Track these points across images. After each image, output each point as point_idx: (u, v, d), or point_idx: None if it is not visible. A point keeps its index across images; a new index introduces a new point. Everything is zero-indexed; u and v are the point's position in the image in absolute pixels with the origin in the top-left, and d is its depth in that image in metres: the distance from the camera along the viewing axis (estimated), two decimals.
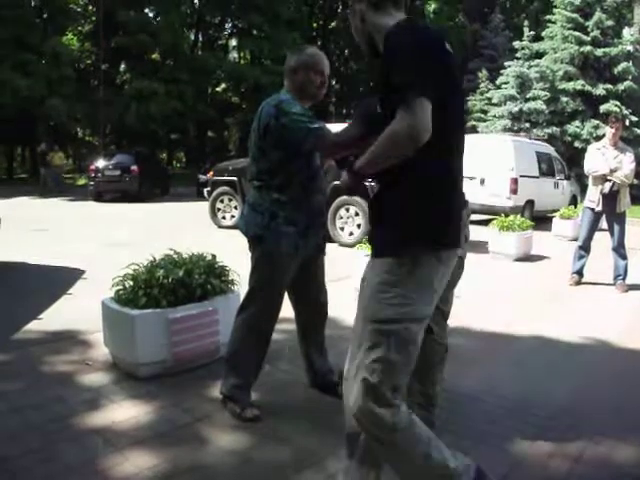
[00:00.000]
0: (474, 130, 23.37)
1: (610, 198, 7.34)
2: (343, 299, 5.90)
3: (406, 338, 2.17)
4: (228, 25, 40.26)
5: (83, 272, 7.37)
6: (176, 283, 4.01)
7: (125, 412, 3.46)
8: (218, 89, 40.00)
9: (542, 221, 14.00)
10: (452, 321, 5.23)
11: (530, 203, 14.75)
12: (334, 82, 39.47)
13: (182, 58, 33.96)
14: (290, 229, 3.36)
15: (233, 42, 41.63)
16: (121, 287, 4.13)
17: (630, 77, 23.49)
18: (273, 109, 3.30)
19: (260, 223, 3.38)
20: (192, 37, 39.91)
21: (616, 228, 7.51)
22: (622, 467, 3.10)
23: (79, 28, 36.27)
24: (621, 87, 23.26)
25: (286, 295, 3.63)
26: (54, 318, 5.30)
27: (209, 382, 3.89)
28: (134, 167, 19.98)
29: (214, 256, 4.47)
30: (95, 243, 9.88)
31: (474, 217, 15.22)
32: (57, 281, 6.89)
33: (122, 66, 36.18)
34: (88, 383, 3.89)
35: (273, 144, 3.31)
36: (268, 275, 3.42)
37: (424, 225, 2.15)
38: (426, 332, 3.29)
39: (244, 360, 3.50)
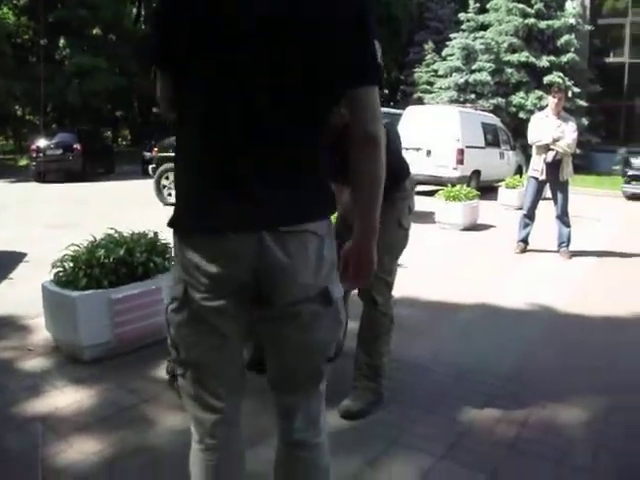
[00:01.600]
0: (420, 102, 23.45)
1: (553, 167, 7.46)
2: None
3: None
4: None
5: (25, 255, 7.15)
6: (117, 262, 3.91)
7: (68, 397, 3.37)
8: None
9: (488, 191, 14.18)
10: (398, 292, 5.25)
11: (476, 173, 14.93)
12: None
13: (124, 32, 33.10)
14: None
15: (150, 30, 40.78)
16: (61, 269, 4.00)
17: (573, 49, 23.82)
18: None
19: None
20: (134, 11, 38.96)
21: (559, 196, 7.64)
22: (565, 428, 3.17)
23: (14, 2, 34.99)
24: (564, 59, 23.58)
25: None
26: None
27: (155, 362, 3.82)
28: (77, 145, 19.43)
29: (156, 234, 4.38)
30: (38, 225, 9.60)
31: (421, 188, 15.36)
32: None
33: (61, 41, 35.10)
34: (29, 369, 3.77)
35: None
36: None
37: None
38: (371, 303, 3.31)
39: None
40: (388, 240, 3.24)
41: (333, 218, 1.81)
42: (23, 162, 25.81)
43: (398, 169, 3.37)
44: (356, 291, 3.33)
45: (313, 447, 1.82)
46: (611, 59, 26.44)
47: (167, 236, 4.44)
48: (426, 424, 3.14)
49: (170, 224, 1.69)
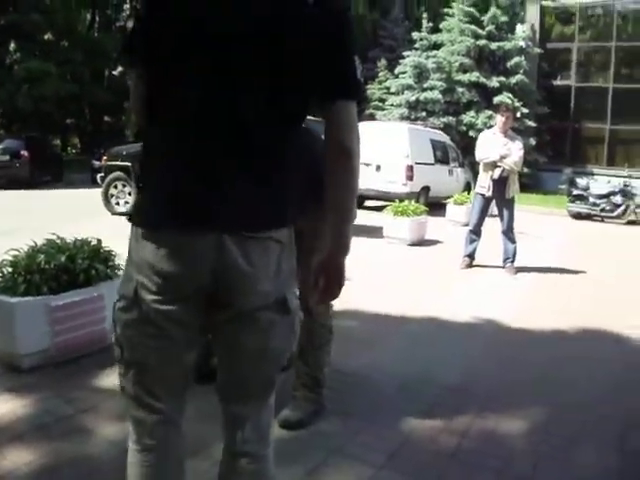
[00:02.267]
0: (372, 118, 23.65)
1: (500, 184, 7.60)
2: None
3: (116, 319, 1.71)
4: (126, 6, 39.00)
5: None
6: (58, 269, 3.83)
7: (2, 406, 3.25)
8: (115, 72, 38.73)
9: (437, 207, 14.34)
10: (343, 304, 5.28)
11: (425, 189, 15.11)
12: None
13: (77, 39, 32.61)
14: None
15: (130, 24, 40.46)
16: None
17: (522, 71, 24.38)
18: None
19: None
20: (88, 17, 38.46)
21: (505, 213, 7.78)
22: (506, 438, 3.22)
23: None
24: (513, 80, 24.12)
25: None
26: None
27: (95, 372, 3.74)
28: (24, 152, 18.97)
29: (99, 241, 4.30)
30: None
31: (370, 203, 15.48)
32: None
33: (12, 45, 34.37)
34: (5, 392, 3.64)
35: None
36: None
37: None
38: (308, 314, 3.31)
39: None
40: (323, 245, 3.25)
41: None
42: None
43: None
44: None
45: (260, 458, 1.79)
46: (558, 82, 27.16)
47: (111, 244, 4.42)
48: (367, 434, 3.15)
49: (131, 219, 1.66)
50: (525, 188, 20.51)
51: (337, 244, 1.77)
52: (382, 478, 2.74)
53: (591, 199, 16.40)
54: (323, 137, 1.68)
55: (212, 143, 1.57)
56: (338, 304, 3.46)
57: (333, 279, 1.80)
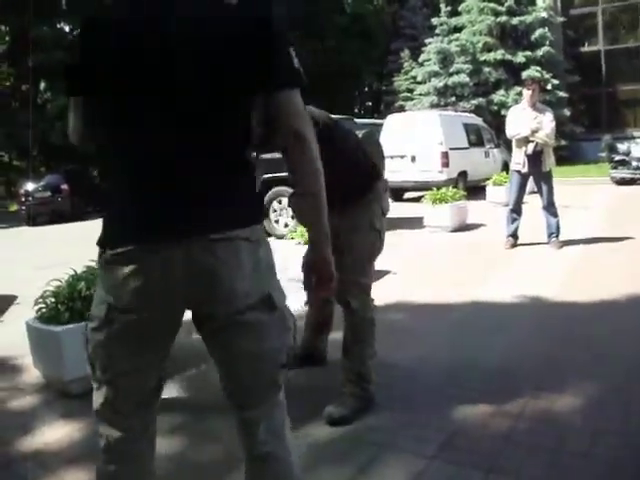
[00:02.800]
0: (402, 109, 23.54)
1: (535, 159, 7.47)
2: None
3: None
4: None
5: (16, 297, 7.10)
6: None
7: (57, 432, 3.33)
8: None
9: (477, 190, 14.19)
10: (388, 298, 5.29)
11: (463, 174, 14.95)
12: None
13: None
14: None
15: None
16: (43, 305, 3.98)
17: (547, 42, 23.98)
18: None
19: None
20: None
21: (544, 187, 7.63)
22: (559, 417, 3.14)
23: None
24: (539, 53, 23.74)
25: None
26: None
27: None
28: (64, 186, 19.46)
29: None
30: (29, 267, 9.54)
31: (409, 195, 15.39)
32: None
33: (42, 85, 35.20)
34: (18, 408, 3.73)
35: None
36: None
37: None
38: (347, 308, 3.30)
39: None
40: (360, 242, 3.25)
41: None
42: (13, 208, 25.77)
43: (367, 171, 3.39)
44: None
45: (280, 459, 1.78)
46: (586, 48, 26.67)
47: None
48: (417, 426, 3.10)
49: (99, 243, 1.68)
50: (565, 160, 20.20)
51: (317, 235, 1.80)
52: (434, 469, 2.69)
53: (634, 163, 16.02)
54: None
55: (167, 151, 1.59)
56: (383, 297, 3.45)
57: (323, 273, 1.83)
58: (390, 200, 6.11)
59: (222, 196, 1.62)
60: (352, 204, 3.31)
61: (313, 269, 1.84)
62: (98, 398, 1.75)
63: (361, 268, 3.26)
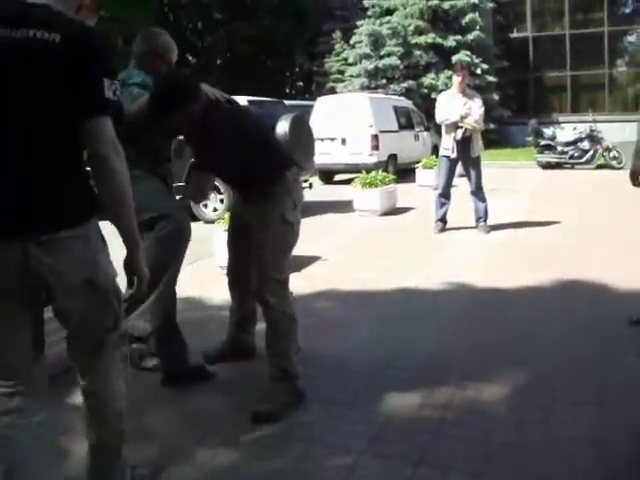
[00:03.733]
0: (333, 91, 23.46)
1: (463, 144, 7.53)
2: (205, 278, 5.75)
3: None
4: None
5: None
6: None
7: None
8: None
9: (407, 173, 14.29)
10: (317, 285, 5.23)
11: (393, 157, 15.02)
12: (190, 57, 38.49)
13: None
14: None
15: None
16: None
17: (478, 27, 24.21)
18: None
19: None
20: None
21: (472, 173, 7.71)
22: (487, 407, 3.16)
23: None
24: (470, 37, 23.98)
25: None
26: None
27: (66, 391, 3.59)
28: None
29: None
30: None
31: (339, 177, 15.39)
32: None
33: None
34: None
35: None
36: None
37: None
38: (265, 305, 3.23)
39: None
40: (272, 237, 3.18)
41: None
42: None
43: (273, 163, 3.31)
44: None
45: (99, 397, 2.24)
46: (515, 34, 27.08)
47: None
48: (347, 420, 3.06)
49: None
50: (493, 144, 20.56)
51: (126, 241, 2.10)
52: (365, 464, 2.66)
53: (559, 148, 16.46)
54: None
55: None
56: (312, 284, 3.38)
57: (136, 275, 2.17)
58: (320, 182, 5.93)
59: (55, 202, 1.97)
60: (257, 196, 3.25)
61: (127, 270, 2.17)
62: None
63: (276, 263, 3.20)
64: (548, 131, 17.43)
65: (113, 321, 2.16)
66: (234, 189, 3.44)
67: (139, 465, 2.56)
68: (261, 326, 3.71)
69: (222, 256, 5.74)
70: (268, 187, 3.25)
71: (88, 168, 2.25)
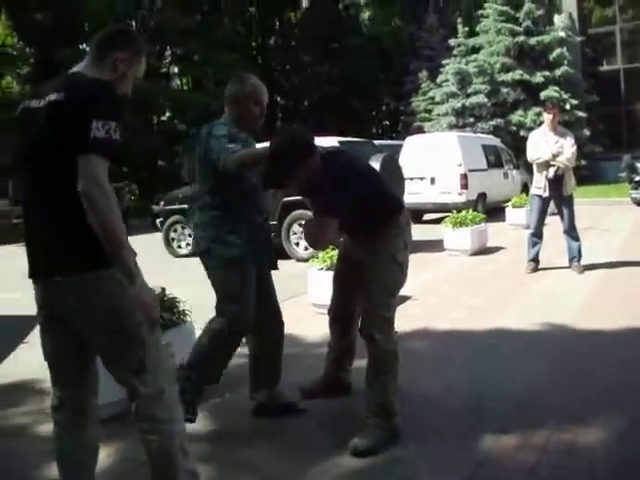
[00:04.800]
0: (420, 130, 23.60)
1: (556, 182, 7.46)
2: (300, 315, 5.90)
3: None
4: (167, 53, 40.02)
5: None
6: None
7: None
8: (164, 118, 39.65)
9: (496, 212, 14.18)
10: (410, 325, 5.29)
11: (482, 196, 14.94)
12: (278, 98, 39.52)
13: None
14: (234, 237, 3.42)
15: (175, 69, 41.37)
16: None
17: (565, 62, 24.00)
18: (204, 134, 3.44)
19: (207, 237, 3.47)
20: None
21: (565, 211, 7.62)
22: (584, 450, 3.12)
23: (17, 71, 35.59)
24: (558, 72, 23.75)
25: None
26: (10, 369, 5.14)
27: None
28: None
29: (163, 289, 4.38)
30: None
31: (428, 217, 15.38)
32: (11, 330, 6.69)
33: None
34: (46, 433, 3.75)
35: (209, 167, 3.39)
36: (226, 282, 3.44)
37: None
38: (370, 341, 3.32)
39: (205, 363, 3.51)
40: (383, 276, 3.28)
41: None
42: None
43: (387, 205, 3.43)
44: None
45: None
46: (605, 67, 26.61)
47: (175, 291, 4.52)
48: (442, 458, 3.10)
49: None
50: (584, 181, 20.12)
51: (124, 274, 2.22)
52: None
53: None
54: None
55: (33, 218, 2.35)
56: (404, 324, 3.46)
57: (141, 309, 2.27)
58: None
59: (60, 246, 2.25)
60: (372, 237, 3.36)
61: (135, 305, 2.28)
62: None
63: (384, 301, 3.29)
64: None
65: (138, 363, 2.34)
66: (347, 231, 3.53)
67: None
68: (358, 363, 3.83)
69: (315, 294, 5.93)
70: (382, 229, 3.37)
71: None
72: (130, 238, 2.29)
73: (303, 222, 9.88)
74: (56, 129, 2.18)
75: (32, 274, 2.39)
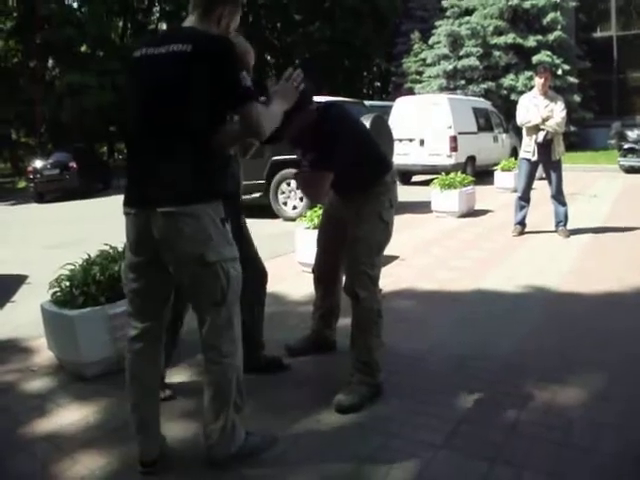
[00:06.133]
0: (411, 92, 23.46)
1: (545, 147, 7.47)
2: (287, 274, 5.93)
3: None
4: (156, 9, 39.35)
5: (26, 277, 7.17)
6: (113, 278, 3.94)
7: (73, 414, 3.39)
8: None
9: (485, 175, 14.21)
10: (397, 284, 5.35)
11: (471, 159, 14.95)
12: (269, 57, 39.12)
13: (112, 47, 32.98)
14: None
15: (163, 26, 40.78)
16: (58, 289, 4.04)
17: (559, 27, 23.78)
18: None
19: None
20: (120, 25, 38.90)
21: (553, 176, 7.64)
22: (565, 409, 3.19)
23: (1, 26, 34.94)
24: (551, 37, 23.57)
25: None
26: None
27: None
28: (72, 164, 19.46)
29: None
30: (38, 246, 9.62)
31: (417, 178, 15.40)
32: None
33: (50, 62, 35.04)
34: (33, 390, 3.80)
35: None
36: None
37: None
38: (354, 299, 3.34)
39: None
40: (367, 233, 3.29)
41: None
42: (22, 184, 25.81)
43: (377, 163, 3.43)
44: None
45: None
46: (598, 34, 26.41)
47: None
48: (425, 415, 3.17)
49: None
50: (574, 147, 20.15)
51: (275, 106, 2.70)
52: (441, 459, 2.76)
53: None
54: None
55: (140, 150, 2.57)
56: (391, 283, 3.49)
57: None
58: (398, 183, 6.03)
59: (163, 179, 2.43)
60: (359, 195, 3.37)
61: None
62: (127, 304, 2.84)
63: (369, 259, 3.30)
64: (632, 134, 16.89)
65: (221, 295, 2.52)
66: (334, 187, 3.50)
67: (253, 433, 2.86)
68: (343, 322, 3.88)
69: (303, 253, 5.94)
70: (370, 186, 3.38)
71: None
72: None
73: (292, 181, 9.89)
74: (183, 75, 2.40)
75: (130, 203, 2.57)
